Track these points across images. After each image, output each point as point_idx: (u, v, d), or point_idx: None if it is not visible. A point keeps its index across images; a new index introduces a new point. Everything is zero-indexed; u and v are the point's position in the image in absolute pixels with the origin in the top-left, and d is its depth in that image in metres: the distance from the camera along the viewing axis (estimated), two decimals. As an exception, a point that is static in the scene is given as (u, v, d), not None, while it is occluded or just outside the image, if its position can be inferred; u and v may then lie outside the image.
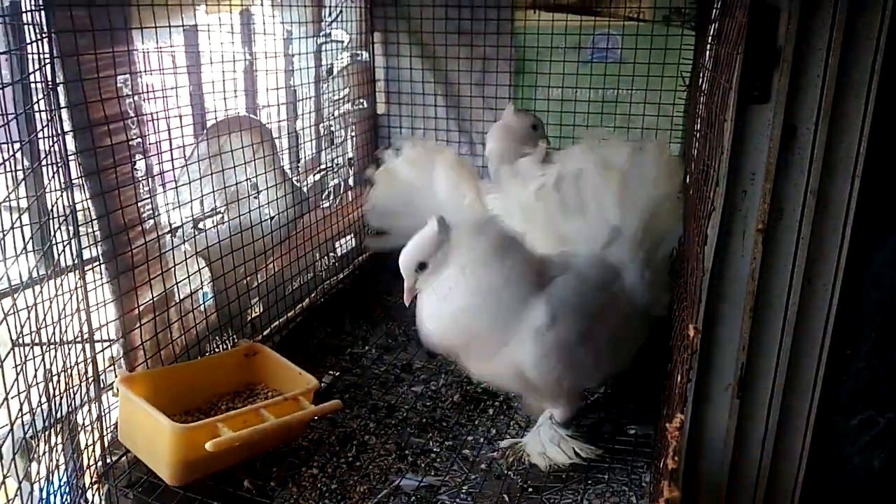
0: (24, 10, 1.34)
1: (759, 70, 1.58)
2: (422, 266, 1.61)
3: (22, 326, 1.24)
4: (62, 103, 1.40)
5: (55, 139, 1.36)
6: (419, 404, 2.07)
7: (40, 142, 1.37)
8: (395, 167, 2.58)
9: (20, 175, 1.29)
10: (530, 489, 1.69)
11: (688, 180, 2.06)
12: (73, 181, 1.44)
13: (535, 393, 1.80)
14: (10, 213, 1.25)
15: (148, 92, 1.66)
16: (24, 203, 1.28)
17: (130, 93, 1.59)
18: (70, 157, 1.43)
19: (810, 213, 1.62)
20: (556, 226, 1.96)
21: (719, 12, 2.26)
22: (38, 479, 1.36)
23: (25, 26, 1.34)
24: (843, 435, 1.78)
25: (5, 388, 1.20)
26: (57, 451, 1.42)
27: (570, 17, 2.64)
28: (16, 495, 1.30)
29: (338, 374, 2.27)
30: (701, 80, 2.20)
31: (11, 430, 1.24)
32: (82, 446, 1.56)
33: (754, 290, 1.68)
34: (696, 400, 1.71)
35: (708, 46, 2.36)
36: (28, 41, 1.31)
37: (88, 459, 1.59)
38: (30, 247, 1.31)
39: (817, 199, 1.61)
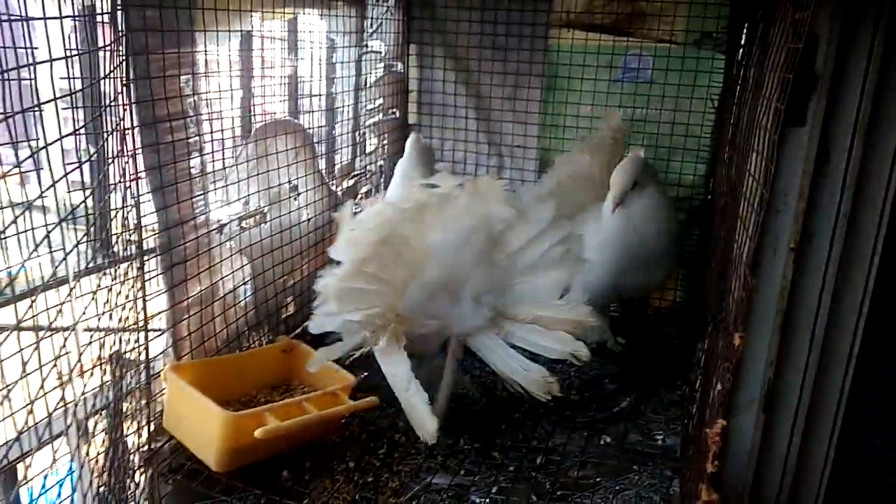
0: (100, 10, 1.41)
1: (797, 93, 1.64)
2: (634, 184, 2.05)
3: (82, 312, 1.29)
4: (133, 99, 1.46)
5: (124, 133, 1.42)
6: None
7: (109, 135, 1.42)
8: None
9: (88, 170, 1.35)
10: (559, 492, 1.74)
11: (718, 198, 2.12)
12: (139, 175, 1.50)
13: None
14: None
15: (207, 92, 1.72)
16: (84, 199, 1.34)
17: (191, 92, 1.65)
18: (136, 152, 1.49)
19: (841, 235, 1.67)
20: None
21: (750, 36, 2.33)
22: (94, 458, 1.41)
23: (102, 25, 1.40)
24: (866, 453, 1.82)
25: (68, 369, 1.26)
26: (112, 431, 1.47)
27: (604, 36, 2.71)
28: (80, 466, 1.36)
29: (366, 374, 2.31)
30: (735, 101, 2.26)
31: (75, 407, 1.29)
32: (131, 431, 1.61)
33: (784, 308, 1.73)
34: (725, 407, 1.75)
35: (738, 70, 2.43)
36: (108, 40, 1.37)
37: (135, 444, 1.64)
38: (91, 235, 1.38)
39: (848, 222, 1.66)
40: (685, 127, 2.68)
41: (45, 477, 1.33)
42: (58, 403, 1.23)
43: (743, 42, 2.45)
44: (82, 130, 1.27)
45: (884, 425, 1.82)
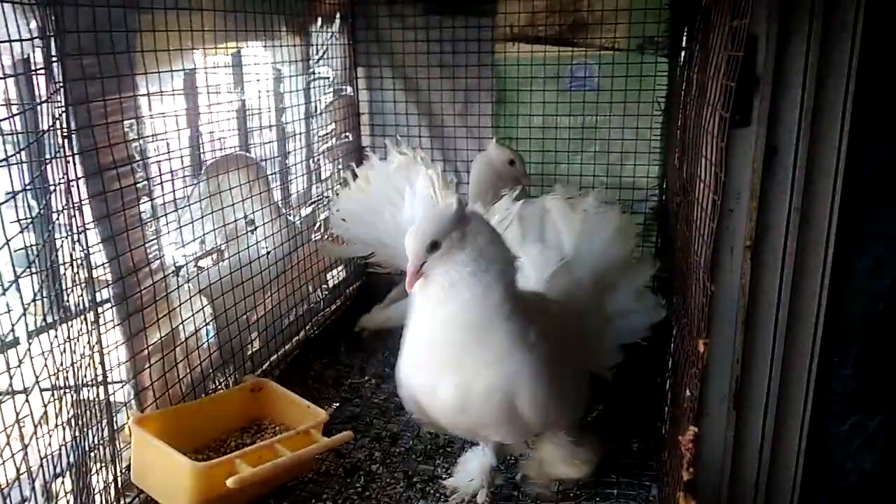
0: (36, 62, 1.37)
1: (739, 95, 1.67)
2: (434, 246, 1.44)
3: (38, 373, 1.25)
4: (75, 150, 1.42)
5: (69, 184, 1.39)
6: (422, 432, 2.09)
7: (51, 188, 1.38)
8: (373, 173, 2.53)
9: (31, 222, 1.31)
10: (540, 504, 1.73)
11: (672, 198, 2.14)
12: (87, 226, 1.46)
13: (517, 432, 1.67)
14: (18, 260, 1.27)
15: (152, 136, 1.69)
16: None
17: (137, 136, 1.62)
18: (83, 203, 1.45)
19: (795, 228, 1.70)
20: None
21: (690, 39, 2.38)
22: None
23: (38, 77, 1.36)
24: (836, 440, 1.85)
25: (32, 432, 1.22)
26: (77, 493, 1.42)
27: (548, 48, 2.74)
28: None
29: (338, 404, 2.29)
30: (680, 105, 2.29)
31: (38, 472, 1.25)
32: (97, 489, 1.56)
33: (745, 304, 1.76)
34: (696, 414, 1.77)
35: (681, 73, 2.48)
36: (46, 91, 1.33)
37: (104, 501, 1.59)
38: (44, 292, 1.33)
39: (801, 216, 1.70)
40: (635, 131, 2.72)
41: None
42: (19, 467, 1.19)
43: (684, 45, 2.50)
44: (27, 185, 1.23)
45: (851, 412, 1.85)
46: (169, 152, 1.79)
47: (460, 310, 1.46)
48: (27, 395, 1.21)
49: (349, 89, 2.92)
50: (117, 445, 1.64)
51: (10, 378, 1.20)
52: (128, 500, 1.67)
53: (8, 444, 1.19)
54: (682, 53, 2.51)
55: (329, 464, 1.92)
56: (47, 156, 1.31)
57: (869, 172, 1.69)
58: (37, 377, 1.25)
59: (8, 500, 1.28)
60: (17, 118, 1.29)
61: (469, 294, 1.45)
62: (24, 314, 1.18)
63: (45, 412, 1.33)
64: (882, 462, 1.87)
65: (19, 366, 1.23)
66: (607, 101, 2.71)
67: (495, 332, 1.48)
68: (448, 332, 1.50)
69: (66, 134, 1.37)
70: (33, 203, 1.31)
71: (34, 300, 1.27)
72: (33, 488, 1.30)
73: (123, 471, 1.67)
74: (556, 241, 1.91)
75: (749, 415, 1.82)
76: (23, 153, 1.28)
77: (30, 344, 1.26)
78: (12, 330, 1.18)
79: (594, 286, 1.86)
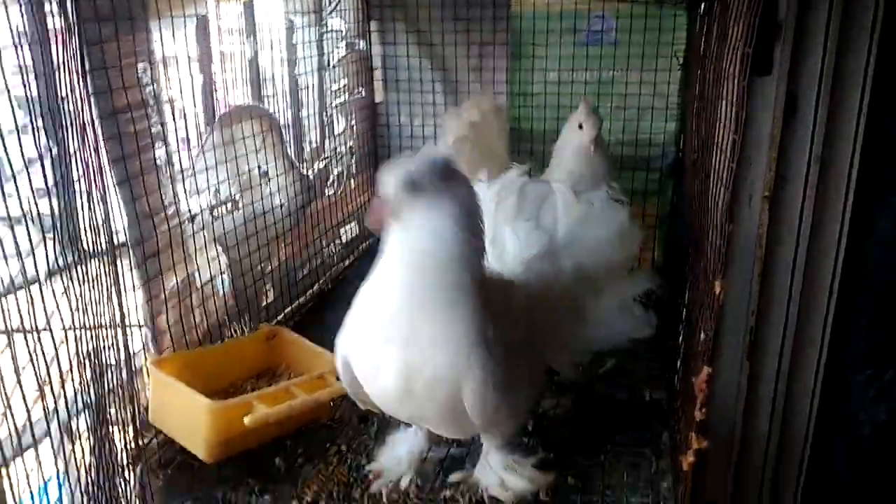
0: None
1: (760, 43, 1.64)
2: (414, 186, 1.27)
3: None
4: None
5: (88, 125, 1.38)
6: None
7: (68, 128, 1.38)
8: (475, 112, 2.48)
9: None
10: (550, 454, 1.73)
11: (689, 154, 2.12)
12: (103, 167, 1.47)
13: (459, 430, 1.57)
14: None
15: (165, 80, 1.68)
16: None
17: (150, 81, 1.61)
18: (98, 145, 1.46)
19: (814, 179, 1.68)
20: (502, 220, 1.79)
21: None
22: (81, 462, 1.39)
23: (51, 16, 1.35)
24: (850, 391, 1.85)
25: (47, 373, 1.24)
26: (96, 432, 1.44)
27: (565, 0, 2.69)
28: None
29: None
30: (699, 58, 2.25)
31: (57, 412, 1.27)
32: (116, 430, 1.58)
33: (762, 255, 1.74)
34: (710, 355, 1.77)
35: (701, 23, 2.43)
36: (59, 29, 1.32)
37: (122, 442, 1.61)
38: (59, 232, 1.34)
39: (821, 166, 1.67)
40: (652, 86, 2.68)
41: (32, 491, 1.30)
42: (34, 402, 1.21)
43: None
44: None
45: (865, 364, 1.85)
46: (182, 99, 1.79)
47: (429, 273, 1.30)
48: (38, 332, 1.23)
49: (362, 43, 2.89)
50: (135, 387, 1.66)
51: (33, 317, 1.22)
52: (146, 440, 1.70)
53: (19, 382, 1.21)
54: (703, 4, 2.46)
55: (343, 411, 1.95)
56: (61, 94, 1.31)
57: (892, 122, 1.66)
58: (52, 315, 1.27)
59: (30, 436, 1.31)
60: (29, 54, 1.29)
61: (446, 255, 1.30)
62: (45, 248, 1.18)
63: (68, 351, 1.35)
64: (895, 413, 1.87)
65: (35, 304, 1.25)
66: (625, 54, 2.67)
67: (453, 314, 1.32)
68: (404, 299, 1.32)
69: (80, 73, 1.36)
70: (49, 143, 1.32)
71: (45, 236, 1.28)
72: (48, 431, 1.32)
73: (142, 411, 1.70)
74: (550, 225, 1.78)
75: (763, 365, 1.81)
76: (38, 88, 1.28)
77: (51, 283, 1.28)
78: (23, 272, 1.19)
79: (576, 283, 1.70)
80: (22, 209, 1.22)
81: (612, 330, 1.74)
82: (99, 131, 1.46)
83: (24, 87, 1.20)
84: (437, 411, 1.42)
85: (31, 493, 1.23)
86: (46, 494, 1.29)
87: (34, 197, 1.24)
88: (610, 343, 1.78)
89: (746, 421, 1.80)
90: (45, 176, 1.29)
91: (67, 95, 1.32)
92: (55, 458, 1.34)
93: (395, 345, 1.34)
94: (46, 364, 1.27)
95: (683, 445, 1.30)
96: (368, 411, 1.91)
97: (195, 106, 1.86)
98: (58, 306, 1.31)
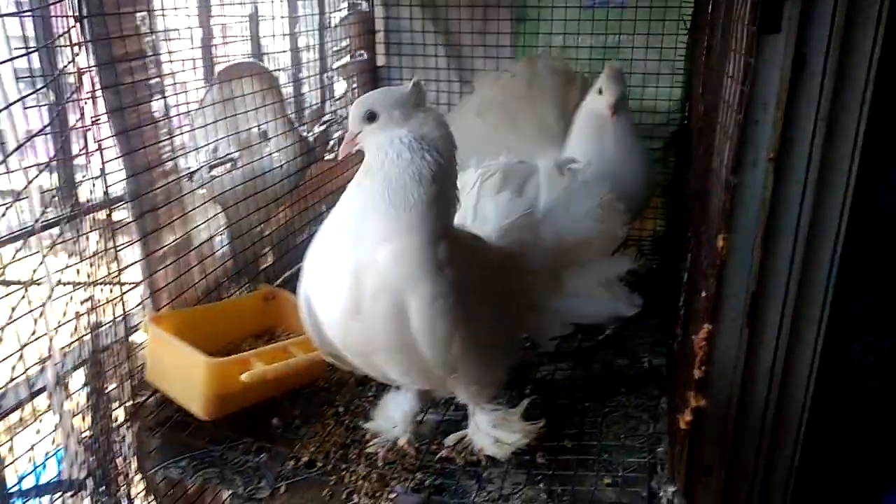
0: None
1: (769, 1, 1.61)
2: (371, 116, 1.34)
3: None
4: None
5: (85, 71, 1.36)
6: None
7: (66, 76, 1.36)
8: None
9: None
10: (549, 418, 1.73)
11: (695, 121, 2.09)
12: (101, 117, 1.44)
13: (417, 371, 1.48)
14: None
15: (164, 31, 1.65)
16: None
17: (149, 31, 1.58)
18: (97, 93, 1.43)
19: (820, 140, 1.66)
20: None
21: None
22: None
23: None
24: (849, 359, 1.85)
25: (46, 326, 1.23)
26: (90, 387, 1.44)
27: (572, -39, 2.64)
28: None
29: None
30: (707, 19, 2.21)
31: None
32: (111, 386, 1.58)
33: (766, 218, 1.73)
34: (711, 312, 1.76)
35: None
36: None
37: (119, 398, 1.61)
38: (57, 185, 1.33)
39: (827, 126, 1.65)
40: (659, 51, 2.64)
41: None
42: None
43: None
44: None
45: (865, 331, 1.84)
46: (181, 51, 1.75)
47: (379, 186, 1.30)
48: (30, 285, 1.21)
49: (364, 4, 2.85)
50: (132, 344, 1.66)
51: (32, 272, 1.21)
52: (142, 398, 1.69)
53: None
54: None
55: (342, 372, 1.93)
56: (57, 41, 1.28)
57: (901, 84, 1.64)
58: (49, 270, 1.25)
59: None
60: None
61: (395, 170, 1.30)
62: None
63: (66, 307, 1.35)
64: (893, 382, 1.87)
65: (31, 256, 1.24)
66: (631, 18, 2.62)
67: (405, 218, 1.30)
68: (358, 211, 1.33)
69: (77, 18, 1.33)
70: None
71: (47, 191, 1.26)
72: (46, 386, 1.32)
73: (139, 369, 1.69)
74: (532, 195, 1.75)
75: (762, 330, 1.81)
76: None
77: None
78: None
79: (556, 252, 1.68)
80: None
81: (592, 306, 1.72)
82: (97, 79, 1.43)
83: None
84: (386, 341, 1.37)
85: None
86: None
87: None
88: (591, 319, 1.77)
89: (745, 381, 1.81)
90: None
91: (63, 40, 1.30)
92: (51, 409, 1.34)
93: (347, 249, 1.32)
94: (46, 319, 1.26)
95: (681, 409, 1.29)
96: (366, 375, 1.92)
97: (194, 59, 1.82)
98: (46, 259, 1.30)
